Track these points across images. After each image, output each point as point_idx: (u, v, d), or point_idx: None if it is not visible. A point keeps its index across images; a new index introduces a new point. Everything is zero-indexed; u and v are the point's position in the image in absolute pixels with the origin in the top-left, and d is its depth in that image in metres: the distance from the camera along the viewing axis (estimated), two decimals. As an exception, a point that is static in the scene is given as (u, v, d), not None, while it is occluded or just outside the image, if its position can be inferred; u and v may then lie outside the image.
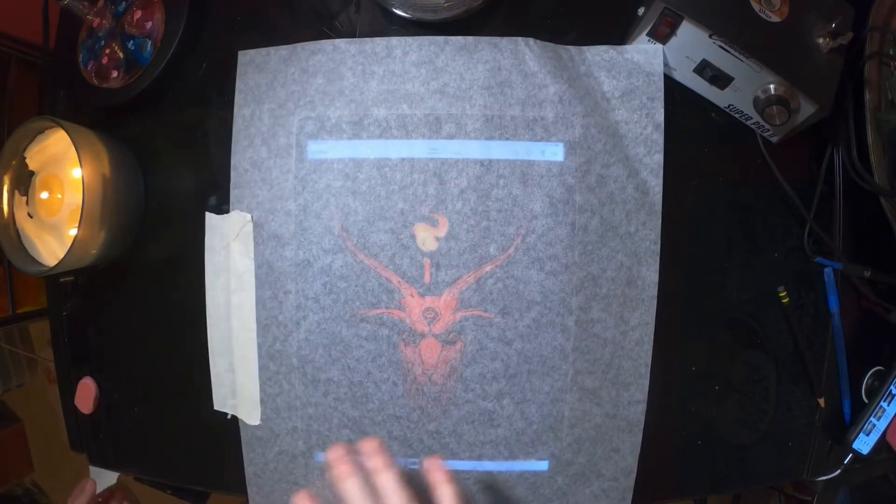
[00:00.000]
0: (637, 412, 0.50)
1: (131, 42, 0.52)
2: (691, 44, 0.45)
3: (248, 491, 0.53)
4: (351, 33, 0.51)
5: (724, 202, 0.50)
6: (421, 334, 0.49)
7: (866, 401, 0.53)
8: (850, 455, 0.53)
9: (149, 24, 0.52)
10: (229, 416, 0.52)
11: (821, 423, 0.53)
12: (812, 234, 0.50)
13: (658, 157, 0.48)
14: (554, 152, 0.47)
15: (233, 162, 0.50)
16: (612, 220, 0.48)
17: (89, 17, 0.55)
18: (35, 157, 0.54)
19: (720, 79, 0.47)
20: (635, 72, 0.48)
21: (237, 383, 0.52)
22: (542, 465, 0.50)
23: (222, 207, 0.51)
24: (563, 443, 0.49)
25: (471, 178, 0.48)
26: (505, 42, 0.48)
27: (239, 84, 0.50)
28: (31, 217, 0.54)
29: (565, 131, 0.47)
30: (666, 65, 0.47)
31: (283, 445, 0.51)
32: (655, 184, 0.48)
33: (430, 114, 0.48)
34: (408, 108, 0.48)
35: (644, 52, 0.47)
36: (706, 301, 0.50)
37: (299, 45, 0.50)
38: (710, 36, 0.44)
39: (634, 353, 0.49)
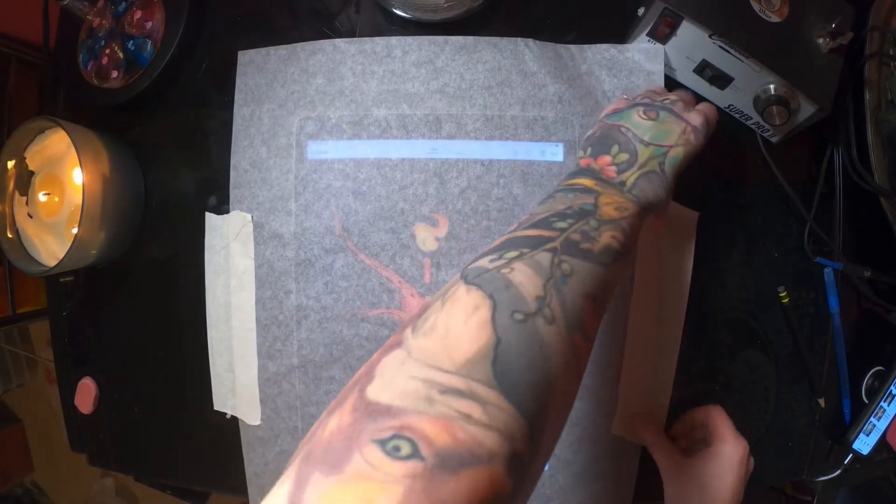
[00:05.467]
0: (637, 412, 0.50)
1: (131, 42, 0.52)
2: (691, 44, 0.45)
3: (249, 491, 0.53)
4: (351, 33, 0.51)
5: (724, 202, 0.50)
6: (421, 334, 0.48)
7: (866, 401, 0.53)
8: (850, 455, 0.53)
9: (149, 24, 0.52)
10: (229, 416, 0.52)
11: (821, 423, 0.53)
12: (812, 234, 0.50)
13: (658, 157, 0.48)
14: (554, 152, 0.47)
15: (232, 162, 0.50)
16: (612, 220, 0.48)
17: (89, 17, 0.55)
18: (35, 157, 0.54)
19: (720, 79, 0.47)
20: (636, 71, 0.48)
21: (237, 383, 0.52)
22: (543, 465, 0.50)
23: (222, 207, 0.51)
24: (564, 442, 0.49)
25: (471, 177, 0.48)
26: (505, 42, 0.48)
27: (239, 84, 0.50)
28: (31, 217, 0.54)
29: (565, 131, 0.47)
30: (666, 65, 0.47)
31: (284, 445, 0.51)
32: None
33: (431, 114, 0.48)
34: (408, 108, 0.48)
35: (645, 52, 0.47)
36: (706, 301, 0.50)
37: (299, 45, 0.50)
38: (710, 36, 0.44)
39: (634, 353, 0.49)
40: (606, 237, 0.29)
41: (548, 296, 0.24)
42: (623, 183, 0.35)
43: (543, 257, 0.25)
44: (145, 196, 0.55)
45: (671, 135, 0.37)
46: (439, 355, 0.22)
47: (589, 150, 0.37)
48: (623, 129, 0.37)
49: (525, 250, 0.26)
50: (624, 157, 0.36)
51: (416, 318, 0.25)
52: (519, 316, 0.23)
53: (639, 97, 0.41)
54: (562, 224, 0.28)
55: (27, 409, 1.46)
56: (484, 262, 0.26)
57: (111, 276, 0.57)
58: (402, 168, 0.48)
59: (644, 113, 0.37)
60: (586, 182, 0.34)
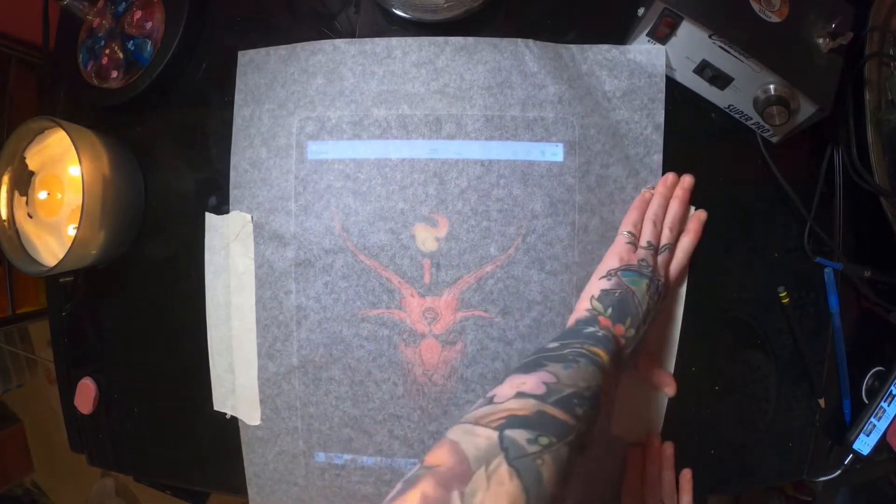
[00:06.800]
0: (637, 412, 0.50)
1: (131, 42, 0.52)
2: (691, 44, 0.45)
3: (249, 491, 0.53)
4: (351, 33, 0.51)
5: (724, 202, 0.50)
6: (421, 335, 0.49)
7: (866, 401, 0.53)
8: (851, 455, 0.53)
9: (149, 24, 0.52)
10: (229, 416, 0.53)
11: (821, 423, 0.53)
12: (812, 234, 0.50)
13: (657, 158, 0.48)
14: (554, 152, 0.47)
15: (232, 162, 0.50)
16: (612, 219, 0.48)
17: (89, 17, 0.55)
18: (35, 157, 0.54)
19: (720, 79, 0.47)
20: (637, 72, 0.48)
21: (237, 383, 0.52)
22: (543, 465, 0.50)
23: (222, 207, 0.51)
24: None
25: (471, 178, 0.48)
26: (505, 43, 0.48)
27: (239, 84, 0.50)
28: (31, 217, 0.54)
29: (565, 131, 0.47)
30: (666, 65, 0.47)
31: (283, 445, 0.51)
32: (655, 184, 0.48)
33: (431, 114, 0.48)
34: (408, 109, 0.48)
35: (647, 53, 0.47)
36: (706, 301, 0.50)
37: (299, 45, 0.50)
38: (710, 36, 0.44)
39: (634, 353, 0.49)
40: (594, 429, 0.36)
41: (557, 490, 0.32)
42: (622, 359, 0.41)
43: (564, 452, 0.33)
44: (145, 196, 0.55)
45: (655, 311, 0.44)
46: None
47: (610, 310, 0.42)
48: (636, 301, 0.42)
49: (554, 440, 0.33)
50: (632, 332, 0.42)
51: (461, 481, 0.30)
52: None
53: (642, 248, 0.45)
54: (580, 411, 0.35)
55: (27, 409, 1.46)
56: (522, 440, 0.32)
57: (111, 276, 0.57)
58: (402, 168, 0.48)
59: (648, 287, 0.43)
60: (604, 357, 0.39)
